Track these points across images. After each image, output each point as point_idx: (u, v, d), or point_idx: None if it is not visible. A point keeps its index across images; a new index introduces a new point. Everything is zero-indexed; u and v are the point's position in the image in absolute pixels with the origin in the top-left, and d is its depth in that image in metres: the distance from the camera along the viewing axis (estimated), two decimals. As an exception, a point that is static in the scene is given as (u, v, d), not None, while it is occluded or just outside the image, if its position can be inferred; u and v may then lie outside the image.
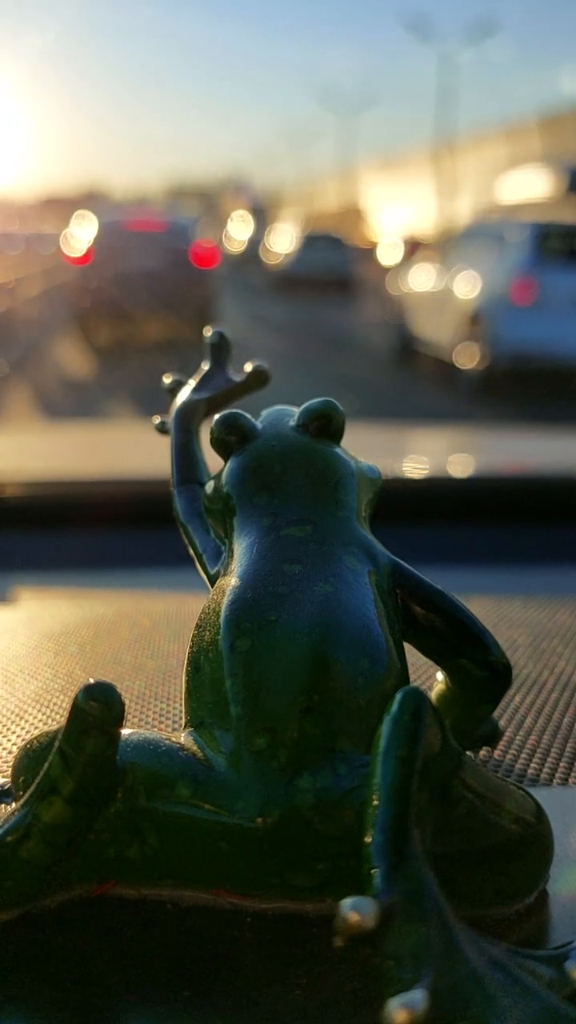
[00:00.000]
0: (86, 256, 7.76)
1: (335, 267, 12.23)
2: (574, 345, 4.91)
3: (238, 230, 24.26)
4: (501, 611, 0.60)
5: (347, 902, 0.21)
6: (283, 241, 14.23)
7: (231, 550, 0.35)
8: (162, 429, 0.45)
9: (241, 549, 0.34)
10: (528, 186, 10.93)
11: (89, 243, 7.83)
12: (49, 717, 0.44)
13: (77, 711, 0.27)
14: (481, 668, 0.35)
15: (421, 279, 6.60)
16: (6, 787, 0.34)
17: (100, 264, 7.53)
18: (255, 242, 18.87)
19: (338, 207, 35.83)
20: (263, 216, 29.41)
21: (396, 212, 28.73)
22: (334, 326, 8.59)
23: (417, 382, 6.00)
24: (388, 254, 8.17)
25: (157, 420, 0.45)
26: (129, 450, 1.09)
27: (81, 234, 8.11)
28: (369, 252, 13.96)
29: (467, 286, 5.58)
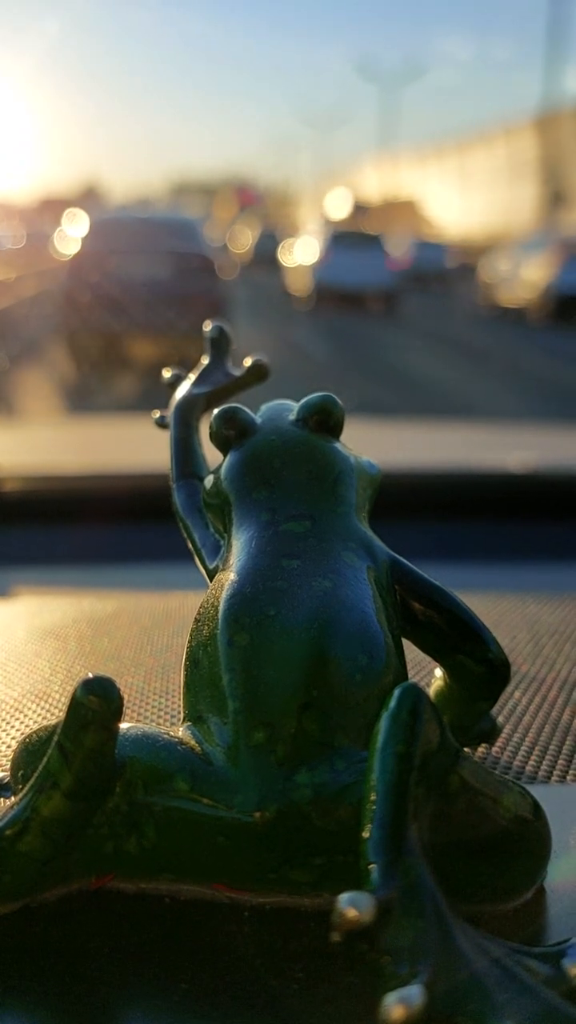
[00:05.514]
0: (73, 262, 6.37)
1: (270, 251, 19.56)
2: (345, 282, 11.34)
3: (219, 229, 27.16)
4: (500, 608, 0.60)
5: (344, 897, 0.21)
6: (245, 236, 23.34)
7: (230, 545, 0.35)
8: (161, 424, 0.45)
9: (240, 544, 0.34)
10: (340, 206, 21.01)
11: (74, 248, 6.48)
12: (48, 712, 0.44)
13: (76, 705, 0.27)
14: (479, 665, 0.35)
15: (295, 255, 13.15)
16: (5, 781, 0.34)
17: (87, 273, 6.14)
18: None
19: (381, 200, 31.86)
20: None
21: (468, 203, 26.81)
22: (263, 283, 15.06)
23: (289, 303, 12.26)
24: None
25: (156, 415, 0.45)
26: (128, 445, 1.09)
27: (70, 235, 6.78)
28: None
29: (306, 257, 12.13)
